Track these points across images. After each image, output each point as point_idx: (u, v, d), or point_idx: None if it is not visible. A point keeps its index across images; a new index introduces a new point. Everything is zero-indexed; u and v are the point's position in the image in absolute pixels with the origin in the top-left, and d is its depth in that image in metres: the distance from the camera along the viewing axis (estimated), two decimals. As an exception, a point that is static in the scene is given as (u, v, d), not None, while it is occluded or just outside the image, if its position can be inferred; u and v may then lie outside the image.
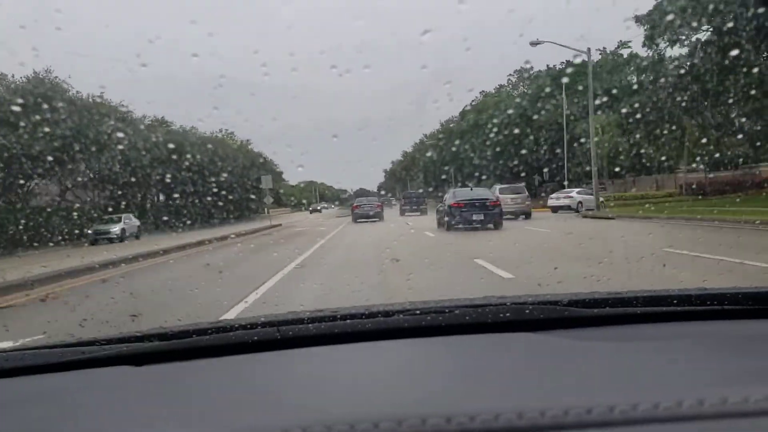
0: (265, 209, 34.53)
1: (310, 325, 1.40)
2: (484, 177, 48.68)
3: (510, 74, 61.74)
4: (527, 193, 26.05)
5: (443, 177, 61.22)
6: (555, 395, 0.93)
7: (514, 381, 1.06)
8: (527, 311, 1.41)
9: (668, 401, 0.81)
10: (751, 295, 1.44)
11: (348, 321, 1.43)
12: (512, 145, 45.96)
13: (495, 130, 46.41)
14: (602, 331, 1.38)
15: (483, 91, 62.38)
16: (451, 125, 62.37)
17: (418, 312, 1.43)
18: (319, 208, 60.47)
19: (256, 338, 1.35)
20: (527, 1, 69.25)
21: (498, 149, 45.74)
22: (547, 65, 51.17)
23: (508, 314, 1.40)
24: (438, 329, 1.38)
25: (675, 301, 1.47)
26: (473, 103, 61.08)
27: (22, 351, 1.36)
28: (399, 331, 1.38)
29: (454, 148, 55.21)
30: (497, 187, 26.59)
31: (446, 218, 18.49)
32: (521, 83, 59.93)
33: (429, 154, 64.27)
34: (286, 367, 1.27)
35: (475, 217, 17.91)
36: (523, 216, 24.47)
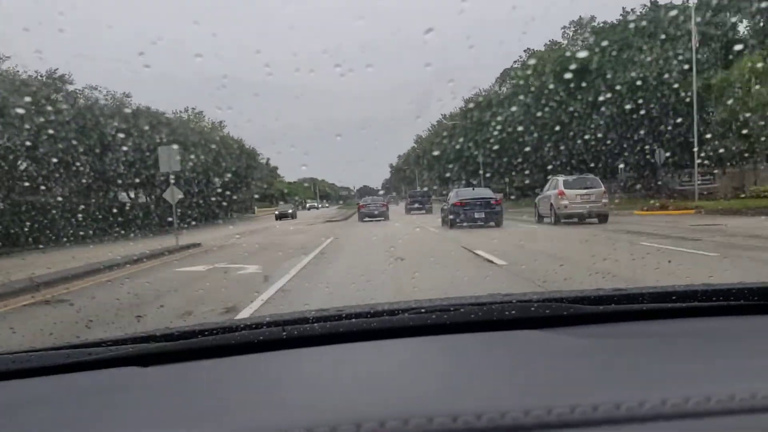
0: (173, 212, 19.36)
1: (315, 324, 1.45)
2: (529, 164, 37.81)
3: (565, 26, 49.26)
4: (603, 187, 20.18)
5: (447, 175, 54.08)
6: (561, 393, 0.96)
7: (520, 379, 1.10)
8: (532, 309, 1.45)
9: (675, 398, 0.83)
10: (756, 291, 1.48)
11: (353, 320, 1.49)
12: (575, 119, 32.29)
13: (551, 96, 32.41)
14: (608, 328, 1.42)
15: (528, 48, 49.96)
16: (479, 99, 51.02)
17: (423, 310, 1.48)
18: (289, 210, 43.42)
19: (261, 338, 1.40)
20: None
21: (556, 128, 32.70)
22: (624, 8, 39.71)
23: (513, 312, 1.44)
24: (443, 327, 1.43)
25: (680, 298, 1.47)
26: (516, 64, 48.97)
27: (28, 353, 1.39)
28: (404, 329, 1.43)
29: (457, 140, 46.40)
30: (560, 179, 20.49)
31: (450, 217, 20.20)
32: (579, 37, 46.59)
33: (436, 153, 56.39)
34: (291, 366, 1.31)
35: (477, 216, 19.64)
36: (597, 218, 19.27)
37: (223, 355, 1.38)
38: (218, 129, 47.95)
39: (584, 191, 19.34)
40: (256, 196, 56.73)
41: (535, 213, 22.29)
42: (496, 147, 39.33)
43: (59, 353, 1.41)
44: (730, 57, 26.30)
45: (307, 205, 62.59)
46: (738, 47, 26.07)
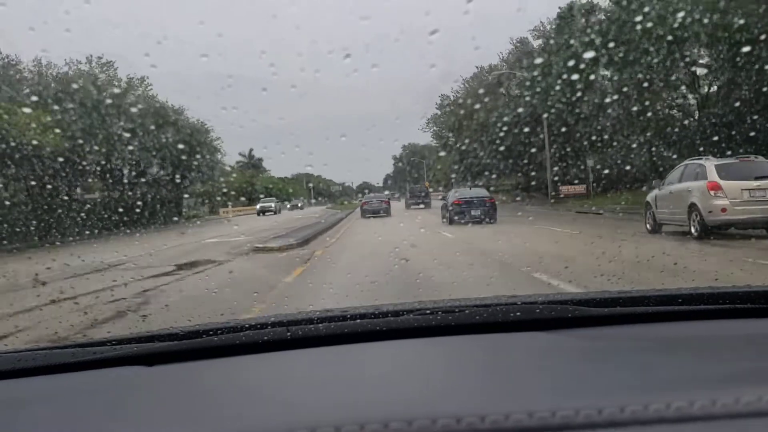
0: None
1: (319, 324, 1.45)
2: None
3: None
4: None
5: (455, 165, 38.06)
6: (565, 395, 0.96)
7: (525, 381, 1.09)
8: (537, 311, 1.44)
9: (680, 401, 0.83)
10: (762, 294, 1.47)
11: (358, 321, 1.47)
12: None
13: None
14: (613, 331, 1.42)
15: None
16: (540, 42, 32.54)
17: (427, 311, 1.48)
18: None
19: (266, 338, 1.39)
20: (536, 0, 68.27)
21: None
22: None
23: (518, 313, 1.44)
24: (448, 329, 1.41)
25: (686, 301, 1.47)
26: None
27: (34, 351, 1.39)
28: (409, 330, 1.41)
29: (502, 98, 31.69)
30: (708, 163, 12.41)
31: (452, 214, 21.66)
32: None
33: (442, 154, 49.03)
34: (296, 367, 1.31)
35: (473, 213, 20.99)
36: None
37: (227, 355, 1.39)
38: (137, 88, 32.40)
39: (756, 183, 11.61)
40: (187, 195, 39.88)
41: (647, 218, 13.88)
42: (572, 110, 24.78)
43: (64, 352, 1.42)
44: (737, 59, 20.12)
45: (258, 205, 43.03)
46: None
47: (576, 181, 32.13)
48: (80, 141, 23.42)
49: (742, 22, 16.11)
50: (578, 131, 27.93)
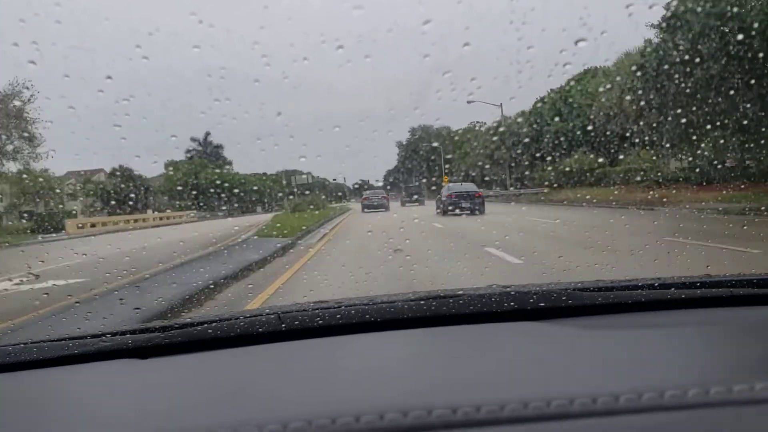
0: None
1: (314, 316, 1.41)
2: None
3: None
4: None
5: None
6: (560, 384, 0.96)
7: (519, 370, 1.09)
8: (531, 300, 1.42)
9: (674, 389, 0.82)
10: (756, 281, 1.45)
11: (352, 311, 1.44)
12: None
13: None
14: (607, 319, 1.41)
15: None
16: None
17: (422, 302, 1.45)
18: None
19: (260, 330, 1.37)
20: (529, -9, 67.81)
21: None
22: None
23: (512, 303, 1.42)
24: (442, 319, 1.39)
25: (680, 288, 1.46)
26: None
27: (26, 345, 1.39)
28: (403, 321, 1.40)
29: None
30: None
31: (442, 206, 24.41)
32: None
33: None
34: (290, 358, 1.31)
35: (463, 205, 23.60)
36: None
37: (221, 347, 1.38)
38: None
39: None
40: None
41: None
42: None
43: (57, 345, 1.42)
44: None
45: None
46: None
47: None
48: None
49: None
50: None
